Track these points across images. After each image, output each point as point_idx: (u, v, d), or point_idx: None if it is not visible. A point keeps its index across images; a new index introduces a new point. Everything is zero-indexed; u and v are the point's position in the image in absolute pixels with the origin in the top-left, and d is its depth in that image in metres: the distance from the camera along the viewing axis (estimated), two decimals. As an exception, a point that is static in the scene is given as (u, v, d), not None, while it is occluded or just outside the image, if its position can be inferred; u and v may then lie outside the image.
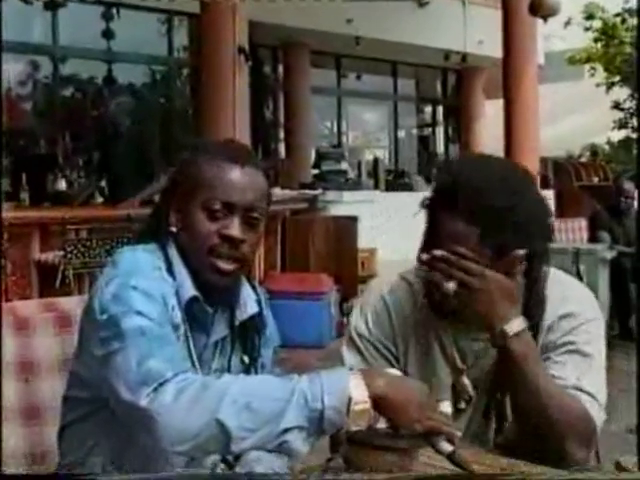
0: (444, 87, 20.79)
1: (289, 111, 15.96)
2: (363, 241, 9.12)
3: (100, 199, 8.80)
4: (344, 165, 12.44)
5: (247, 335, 1.93)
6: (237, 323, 1.90)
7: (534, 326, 1.90)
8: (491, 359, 1.95)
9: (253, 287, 1.97)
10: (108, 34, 13.42)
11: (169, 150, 12.91)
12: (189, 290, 1.79)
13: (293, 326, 7.60)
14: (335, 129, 18.66)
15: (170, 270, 1.80)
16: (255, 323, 1.94)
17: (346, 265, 8.79)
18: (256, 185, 1.82)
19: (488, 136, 18.50)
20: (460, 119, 20.12)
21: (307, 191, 10.16)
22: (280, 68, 16.60)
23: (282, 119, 16.52)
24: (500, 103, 13.64)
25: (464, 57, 17.50)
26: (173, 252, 1.82)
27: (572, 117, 23.49)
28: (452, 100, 20.57)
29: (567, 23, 20.49)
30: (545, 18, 11.60)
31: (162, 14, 14.05)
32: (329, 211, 9.93)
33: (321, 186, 10.54)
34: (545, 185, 14.09)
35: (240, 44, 9.60)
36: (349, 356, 2.02)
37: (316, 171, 12.49)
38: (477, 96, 19.70)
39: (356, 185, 11.68)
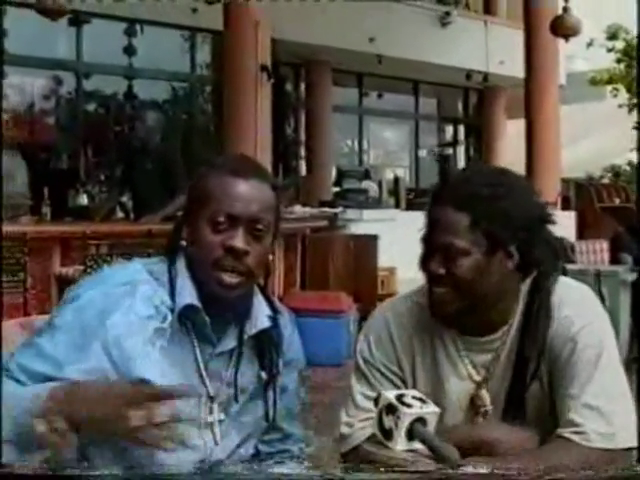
0: (465, 106, 20.79)
1: (310, 129, 15.99)
2: (383, 260, 9.10)
3: (121, 214, 8.84)
4: (365, 183, 12.43)
5: (263, 351, 1.95)
6: (246, 337, 1.91)
7: (539, 338, 1.90)
8: (502, 371, 1.94)
9: (271, 304, 1.97)
10: (130, 50, 13.50)
11: (191, 166, 12.95)
12: (186, 298, 1.82)
13: (312, 344, 7.55)
14: (356, 147, 18.67)
15: (172, 281, 1.84)
16: (269, 339, 1.95)
17: (366, 284, 8.77)
18: (261, 197, 1.84)
19: (509, 156, 18.46)
20: (481, 139, 20.09)
21: (327, 209, 10.15)
22: (302, 86, 16.63)
23: (303, 137, 16.54)
24: (522, 123, 13.64)
25: (486, 77, 17.50)
26: (181, 265, 1.86)
27: (594, 138, 23.41)
28: (473, 120, 20.56)
29: (589, 44, 20.43)
30: (566, 38, 11.58)
31: (185, 31, 14.12)
32: (349, 229, 9.91)
33: (341, 204, 10.54)
34: (567, 206, 14.05)
35: (262, 62, 9.64)
36: (356, 383, 2.02)
37: (337, 189, 12.49)
38: (498, 116, 19.68)
39: (377, 204, 11.66)
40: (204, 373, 1.85)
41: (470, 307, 1.88)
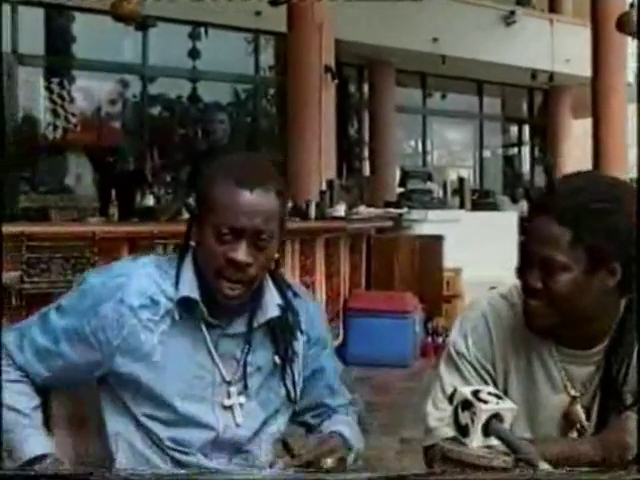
0: (530, 106, 20.59)
1: (374, 130, 15.95)
2: (448, 260, 9.06)
3: (187, 215, 8.90)
4: (429, 184, 12.38)
5: (275, 337, 2.01)
6: (256, 325, 1.98)
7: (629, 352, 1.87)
8: (596, 385, 1.90)
9: (283, 292, 2.03)
10: (195, 53, 13.61)
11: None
12: (185, 290, 1.91)
13: (377, 345, 7.59)
14: (420, 148, 18.61)
15: (178, 275, 1.93)
16: (282, 325, 2.01)
17: (431, 284, 8.75)
18: (265, 208, 1.86)
19: (575, 156, 18.25)
20: (547, 139, 19.89)
21: (392, 209, 10.13)
22: (365, 87, 16.62)
23: (367, 137, 16.53)
24: (588, 123, 13.45)
25: (551, 76, 17.31)
26: (189, 262, 1.95)
27: (662, 137, 23.04)
28: (538, 119, 20.35)
29: (658, 41, 20.14)
30: (633, 35, 11.39)
31: (249, 33, 14.20)
32: (414, 230, 9.88)
33: (406, 205, 10.51)
34: (634, 206, 13.81)
35: (326, 63, 9.65)
36: (447, 374, 1.98)
37: (401, 190, 12.45)
38: (564, 116, 19.45)
39: (441, 204, 11.60)
40: (215, 355, 1.94)
41: (565, 323, 1.83)
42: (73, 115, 12.64)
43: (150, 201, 9.35)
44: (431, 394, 1.99)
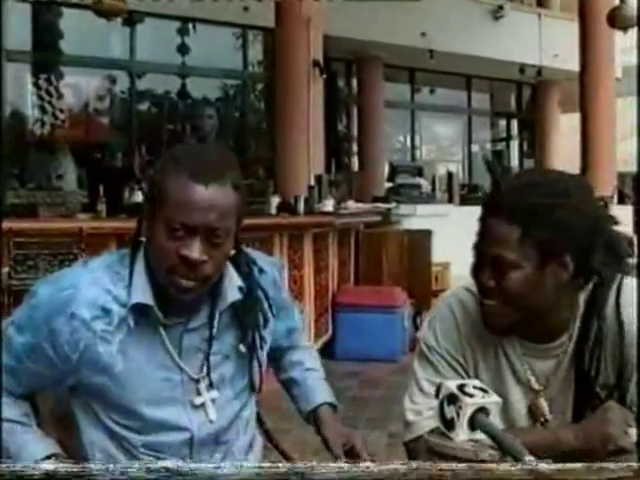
0: (519, 101, 20.64)
1: (362, 125, 15.98)
2: (437, 255, 9.07)
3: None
4: (418, 179, 12.42)
5: (241, 324, 1.95)
6: (217, 313, 1.91)
7: (601, 347, 1.87)
8: (562, 379, 1.91)
9: (247, 269, 1.96)
10: (183, 49, 13.59)
11: (245, 164, 13.01)
12: (138, 296, 1.82)
13: (366, 340, 7.59)
14: (408, 143, 18.63)
15: (130, 276, 1.84)
16: (246, 307, 1.95)
17: (419, 279, 8.75)
18: (220, 204, 1.75)
19: (563, 151, 18.29)
20: (535, 133, 19.93)
21: (381, 204, 10.15)
22: (354, 82, 16.64)
23: (355, 133, 16.55)
24: (576, 117, 13.48)
25: (539, 70, 17.35)
26: (141, 260, 1.85)
27: (650, 131, 23.08)
28: (527, 114, 20.40)
29: (646, 36, 20.18)
30: (624, 30, 11.40)
31: (237, 29, 14.18)
32: (403, 224, 9.90)
33: (395, 199, 10.53)
34: (622, 201, 13.86)
35: (315, 58, 9.63)
36: (420, 369, 1.99)
37: (390, 184, 12.48)
38: (552, 110, 19.50)
39: (430, 199, 11.64)
40: (175, 355, 1.87)
41: (522, 320, 1.83)
42: (61, 111, 12.61)
43: (138, 197, 9.30)
44: (408, 389, 1.99)
